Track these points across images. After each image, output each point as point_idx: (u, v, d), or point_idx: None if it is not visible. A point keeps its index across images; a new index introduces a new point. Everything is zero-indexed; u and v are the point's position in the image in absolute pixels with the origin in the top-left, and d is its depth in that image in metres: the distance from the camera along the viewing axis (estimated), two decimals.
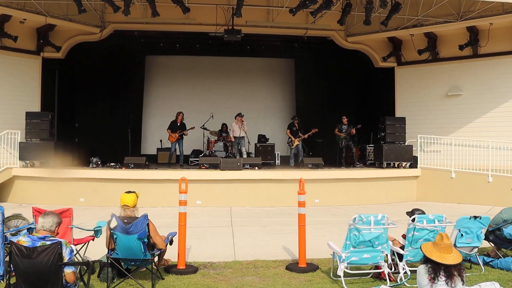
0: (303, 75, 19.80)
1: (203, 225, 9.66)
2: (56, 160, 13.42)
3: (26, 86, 14.92)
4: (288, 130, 16.21)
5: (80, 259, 5.94)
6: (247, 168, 13.37)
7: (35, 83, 15.12)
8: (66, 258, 4.07)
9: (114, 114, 18.13)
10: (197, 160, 14.92)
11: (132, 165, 13.37)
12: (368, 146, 16.86)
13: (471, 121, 15.04)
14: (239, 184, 12.63)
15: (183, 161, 15.86)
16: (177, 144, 15.59)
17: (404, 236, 5.80)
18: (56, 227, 4.28)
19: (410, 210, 6.03)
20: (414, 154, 14.70)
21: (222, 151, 16.61)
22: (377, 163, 14.98)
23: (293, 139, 15.99)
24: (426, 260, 4.12)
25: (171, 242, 6.18)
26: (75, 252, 5.55)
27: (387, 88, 17.20)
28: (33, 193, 12.58)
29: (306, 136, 16.24)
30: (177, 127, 15.53)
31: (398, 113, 16.38)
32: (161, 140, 18.23)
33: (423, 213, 5.83)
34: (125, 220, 5.08)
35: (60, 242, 4.05)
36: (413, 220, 5.54)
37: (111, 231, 5.11)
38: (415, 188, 14.50)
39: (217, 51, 18.93)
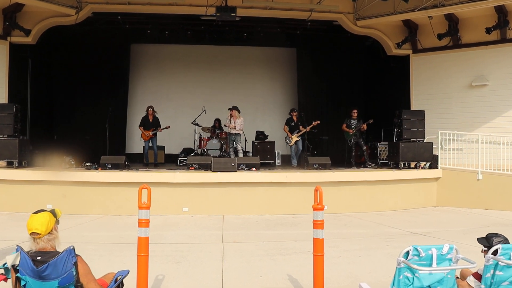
0: (306, 66, 17.91)
1: (187, 240, 7.76)
2: (22, 160, 11.61)
3: None
4: (286, 126, 14.37)
5: None
6: (243, 169, 11.49)
7: (1, 72, 13.24)
8: None
9: (96, 109, 16.24)
10: (186, 160, 12.97)
11: (110, 166, 11.52)
12: (380, 144, 15.00)
13: (499, 114, 13.29)
14: (234, 188, 10.72)
15: (163, 161, 14.67)
16: (150, 142, 13.96)
17: (477, 276, 3.86)
18: None
19: (484, 236, 3.97)
20: (434, 153, 12.88)
21: (217, 150, 14.74)
22: (392, 163, 13.14)
23: (289, 135, 14.15)
24: None
25: None
26: None
27: (401, 79, 15.41)
28: None
29: (306, 129, 14.24)
30: (150, 124, 13.88)
31: (414, 107, 14.59)
32: None
33: (506, 240, 3.83)
34: (38, 258, 3.14)
35: None
36: (495, 253, 3.57)
37: (17, 274, 3.17)
38: (435, 191, 12.65)
39: (210, 39, 17.10)
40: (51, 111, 16.53)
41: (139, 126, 14.07)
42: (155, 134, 13.91)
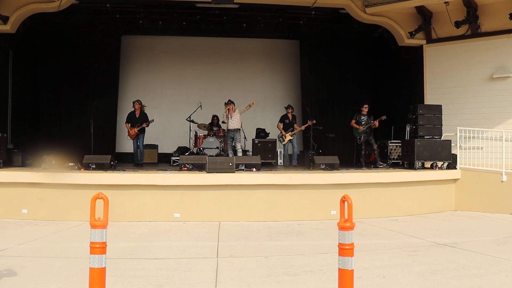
0: (309, 59, 16.78)
1: (175, 254, 6.53)
2: None
3: None
4: (280, 124, 13.63)
5: None
6: (242, 170, 10.28)
7: None
8: None
9: (84, 105, 15.08)
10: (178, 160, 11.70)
11: (94, 166, 10.32)
12: (390, 142, 13.84)
13: None
14: (231, 191, 9.50)
15: (156, 160, 14.06)
16: (137, 140, 12.82)
17: None
18: None
19: None
20: (452, 152, 11.71)
21: (215, 149, 13.55)
22: (406, 163, 11.97)
23: (283, 133, 13.43)
24: None
25: None
26: None
27: (413, 72, 14.23)
28: None
29: (301, 128, 13.70)
30: (136, 120, 12.69)
31: (428, 102, 13.36)
32: None
33: None
34: None
35: None
36: None
37: None
38: (453, 194, 11.48)
39: (207, 30, 15.91)
40: (35, 107, 15.32)
41: (125, 123, 12.89)
42: (141, 131, 12.73)
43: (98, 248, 3.09)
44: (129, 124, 12.69)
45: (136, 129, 12.53)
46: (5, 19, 11.89)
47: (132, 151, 13.13)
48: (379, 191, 10.39)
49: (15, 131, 13.42)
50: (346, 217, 3.35)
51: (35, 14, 12.77)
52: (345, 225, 3.27)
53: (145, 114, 12.83)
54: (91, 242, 3.18)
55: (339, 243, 3.41)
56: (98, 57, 15.74)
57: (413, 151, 11.47)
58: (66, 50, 15.37)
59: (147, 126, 12.73)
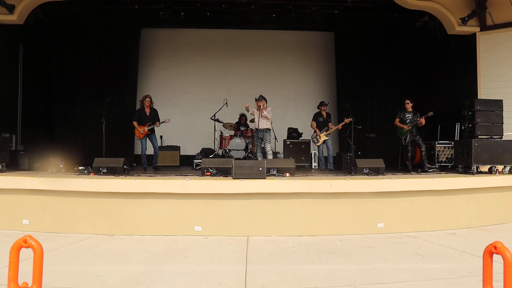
0: (346, 52, 15.30)
1: (191, 282, 5.19)
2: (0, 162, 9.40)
3: None
4: (314, 122, 12.42)
5: None
6: (274, 175, 8.89)
7: None
8: None
9: (100, 103, 13.94)
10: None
11: (105, 170, 9.08)
12: (438, 143, 12.34)
13: None
14: (262, 201, 8.09)
15: (178, 163, 13.09)
16: (147, 140, 11.68)
17: None
18: None
19: None
20: None
21: (242, 150, 12.25)
22: (461, 167, 10.44)
23: (318, 132, 12.23)
24: None
25: None
26: None
27: (464, 64, 12.65)
28: None
29: (338, 127, 12.52)
30: (147, 118, 11.52)
31: (482, 97, 11.79)
32: (161, 137, 14.23)
33: None
34: None
35: None
36: None
37: None
38: None
39: (233, 21, 14.54)
40: (48, 105, 14.31)
41: (133, 121, 11.70)
42: (151, 130, 11.56)
43: None
44: (138, 122, 11.55)
45: (146, 128, 11.33)
46: (10, 8, 10.81)
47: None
48: (433, 200, 8.87)
49: (26, 132, 12.53)
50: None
51: (46, 4, 11.72)
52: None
53: (156, 111, 11.72)
54: None
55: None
56: (116, 52, 14.62)
57: (470, 153, 9.93)
58: (81, 45, 14.38)
59: (158, 126, 11.57)
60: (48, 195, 8.26)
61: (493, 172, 10.07)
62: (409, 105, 11.49)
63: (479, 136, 10.18)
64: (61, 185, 8.20)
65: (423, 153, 11.34)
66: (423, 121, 11.17)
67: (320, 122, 12.35)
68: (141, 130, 11.38)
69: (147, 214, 7.98)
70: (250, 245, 7.28)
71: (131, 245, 7.18)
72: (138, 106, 14.50)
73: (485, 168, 10.28)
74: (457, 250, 7.05)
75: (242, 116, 13.66)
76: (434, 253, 6.89)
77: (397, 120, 11.54)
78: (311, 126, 12.45)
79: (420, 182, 8.74)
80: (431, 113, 11.05)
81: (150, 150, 11.82)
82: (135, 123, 11.53)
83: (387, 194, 8.48)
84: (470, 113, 10.33)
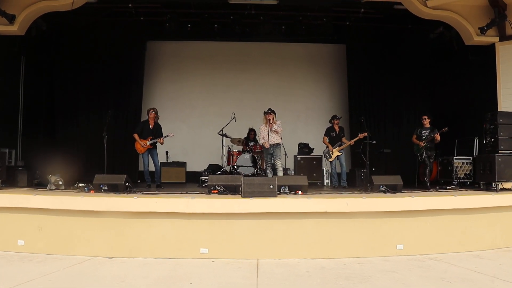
0: (358, 65, 14.87)
1: None
2: None
3: None
4: (326, 137, 11.88)
5: None
6: (286, 193, 8.35)
7: None
8: None
9: (104, 118, 13.54)
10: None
11: (106, 187, 8.57)
12: (455, 159, 11.74)
13: None
14: (273, 221, 7.51)
15: (184, 180, 12.79)
16: (149, 155, 11.02)
17: None
18: None
19: None
20: None
21: (250, 167, 11.71)
22: (482, 184, 9.83)
23: (330, 148, 11.68)
24: None
25: None
26: None
27: (482, 76, 12.06)
28: None
29: (351, 143, 11.81)
30: (149, 132, 10.92)
31: (503, 110, 11.22)
32: (167, 152, 13.79)
33: None
34: None
35: None
36: None
37: None
38: None
39: (241, 33, 14.12)
40: (50, 120, 13.94)
41: (133, 134, 11.09)
42: (154, 145, 10.97)
43: None
44: (138, 135, 10.95)
45: (148, 142, 10.79)
46: (10, 18, 10.41)
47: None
48: (455, 219, 8.26)
49: (26, 147, 12.12)
50: None
51: (50, 16, 11.35)
52: None
53: (160, 126, 11.16)
54: None
55: None
56: (120, 64, 14.30)
57: (493, 169, 9.33)
58: (85, 57, 14.06)
59: (162, 143, 11.03)
60: (45, 214, 7.75)
61: None
62: (426, 121, 11.05)
63: (502, 151, 9.59)
64: (58, 204, 7.69)
65: (427, 171, 10.90)
66: (437, 137, 10.70)
67: (332, 137, 11.83)
68: (142, 143, 10.82)
69: (150, 235, 7.44)
70: (261, 269, 6.70)
71: (132, 269, 6.63)
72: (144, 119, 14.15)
73: (508, 185, 9.67)
74: (487, 275, 6.45)
75: (251, 131, 13.17)
76: (461, 278, 6.30)
77: (414, 136, 11.09)
78: (323, 142, 11.94)
79: (442, 200, 8.16)
80: (445, 129, 10.60)
81: (153, 166, 11.30)
82: (136, 136, 10.94)
83: (407, 213, 7.90)
84: (492, 126, 9.75)
